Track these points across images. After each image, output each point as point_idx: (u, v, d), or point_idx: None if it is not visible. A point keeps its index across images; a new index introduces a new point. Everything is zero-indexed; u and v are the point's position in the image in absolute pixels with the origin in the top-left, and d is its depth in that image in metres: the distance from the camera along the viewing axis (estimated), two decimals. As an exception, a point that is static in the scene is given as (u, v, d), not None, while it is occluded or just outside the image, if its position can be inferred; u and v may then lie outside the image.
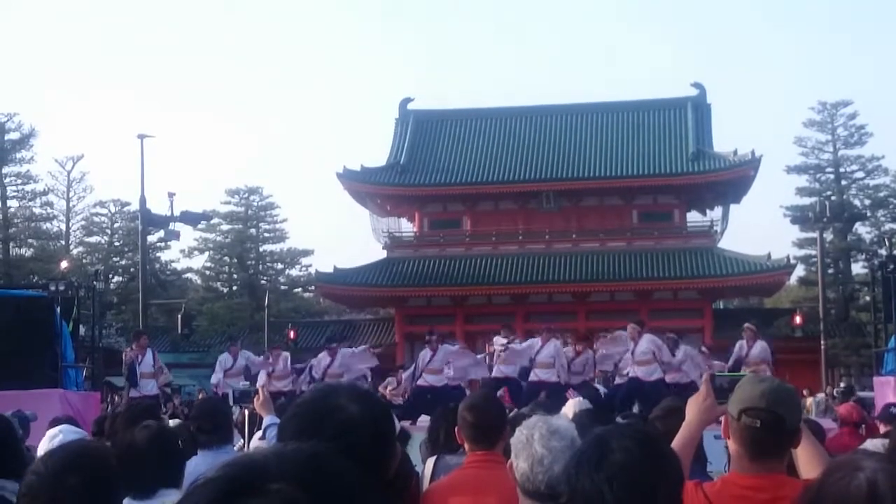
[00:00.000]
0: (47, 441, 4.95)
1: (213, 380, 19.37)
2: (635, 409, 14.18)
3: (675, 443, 3.12)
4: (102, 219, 56.05)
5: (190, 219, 30.61)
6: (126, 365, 18.40)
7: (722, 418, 3.03)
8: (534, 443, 3.17)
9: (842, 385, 31.48)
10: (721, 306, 51.25)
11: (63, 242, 53.74)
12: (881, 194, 50.28)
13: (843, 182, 50.14)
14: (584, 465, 2.15)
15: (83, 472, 2.45)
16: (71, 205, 54.63)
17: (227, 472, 1.14)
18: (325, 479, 1.16)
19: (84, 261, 52.51)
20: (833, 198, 45.98)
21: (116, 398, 20.87)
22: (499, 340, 19.38)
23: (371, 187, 45.98)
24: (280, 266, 56.90)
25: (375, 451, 2.17)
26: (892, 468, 1.98)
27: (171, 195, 29.95)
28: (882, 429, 7.86)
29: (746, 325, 18.43)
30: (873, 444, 6.24)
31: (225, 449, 5.62)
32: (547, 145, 46.29)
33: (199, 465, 5.11)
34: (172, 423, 8.78)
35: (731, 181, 43.95)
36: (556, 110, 48.48)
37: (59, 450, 2.60)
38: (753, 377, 3.04)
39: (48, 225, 53.63)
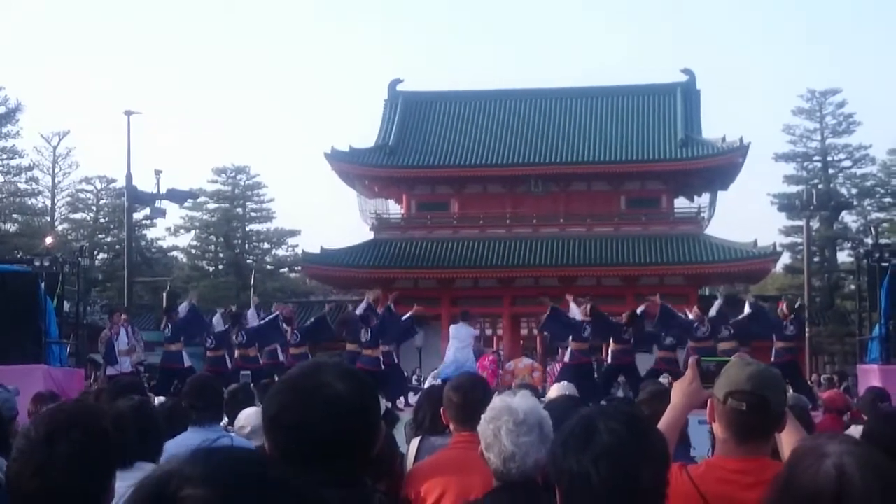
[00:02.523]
0: None
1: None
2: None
3: (661, 425, 3.12)
4: (88, 195, 55.81)
5: (176, 197, 30.57)
6: (103, 342, 18.46)
7: (708, 402, 3.03)
8: (502, 438, 3.16)
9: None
10: (707, 293, 51.42)
11: (48, 218, 53.45)
12: (868, 183, 50.48)
13: (831, 170, 50.31)
14: (571, 446, 2.13)
15: (76, 436, 2.38)
16: (56, 181, 54.34)
17: (140, 495, 1.13)
18: (231, 473, 1.13)
19: (69, 237, 52.27)
20: (820, 186, 46.17)
21: (98, 374, 20.83)
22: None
23: (359, 168, 45.85)
24: (266, 246, 56.85)
25: (360, 429, 2.16)
26: (857, 450, 1.97)
27: (157, 172, 29.90)
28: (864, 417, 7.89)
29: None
30: (857, 431, 6.26)
31: (214, 427, 5.72)
32: (536, 129, 46.25)
33: (189, 441, 5.22)
34: (158, 400, 8.77)
35: (719, 168, 44.00)
36: (545, 94, 48.41)
37: (53, 413, 2.53)
38: (740, 361, 3.04)
39: (33, 200, 53.41)
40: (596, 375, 19.34)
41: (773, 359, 18.02)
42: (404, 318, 20.65)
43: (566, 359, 19.09)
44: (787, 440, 3.06)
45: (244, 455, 1.18)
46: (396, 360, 21.05)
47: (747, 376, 2.85)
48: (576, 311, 19.18)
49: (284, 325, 20.89)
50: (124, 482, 2.45)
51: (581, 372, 17.82)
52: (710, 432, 5.02)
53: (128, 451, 3.58)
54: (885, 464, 1.97)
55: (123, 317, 19.49)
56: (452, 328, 20.88)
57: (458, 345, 20.18)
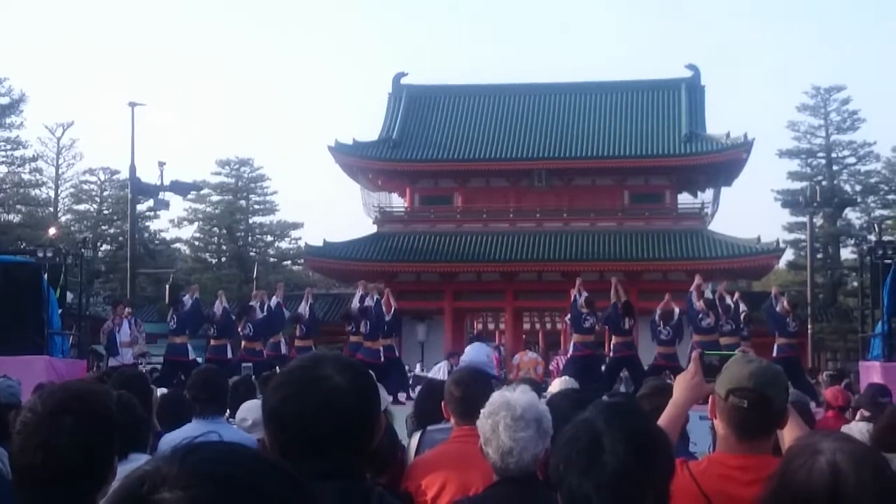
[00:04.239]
0: None
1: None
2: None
3: (662, 420, 3.11)
4: (92, 186, 55.76)
5: (180, 188, 30.54)
6: (105, 334, 18.49)
7: (709, 398, 3.02)
8: (500, 433, 3.17)
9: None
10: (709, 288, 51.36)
11: (51, 209, 53.44)
12: (872, 180, 50.37)
13: (835, 167, 50.19)
14: (574, 463, 2.09)
15: (80, 412, 2.38)
16: (60, 172, 54.33)
17: (115, 494, 1.11)
18: (209, 473, 1.10)
19: (72, 228, 52.23)
20: (824, 183, 46.04)
21: (100, 365, 20.89)
22: None
23: (362, 161, 45.83)
24: (269, 238, 56.79)
25: (360, 422, 2.16)
26: (850, 446, 1.97)
27: (161, 164, 29.87)
28: (864, 413, 7.89)
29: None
30: (858, 428, 6.25)
31: (217, 419, 5.74)
32: (540, 124, 46.19)
33: (191, 432, 5.25)
34: (160, 391, 8.79)
35: (724, 164, 43.94)
36: (550, 89, 48.34)
37: (56, 389, 2.53)
38: (742, 357, 3.03)
39: (37, 191, 53.35)
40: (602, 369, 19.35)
41: (774, 354, 18.07)
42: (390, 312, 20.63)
43: (570, 351, 19.14)
44: (790, 436, 3.05)
45: (225, 455, 1.14)
46: (397, 354, 21.06)
47: (749, 373, 2.84)
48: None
49: (286, 312, 21.10)
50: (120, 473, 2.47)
51: (585, 364, 17.88)
52: (711, 428, 5.02)
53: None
54: (878, 460, 1.97)
55: (127, 310, 19.51)
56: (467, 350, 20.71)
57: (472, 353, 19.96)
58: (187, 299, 20.20)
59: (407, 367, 26.56)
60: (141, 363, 18.91)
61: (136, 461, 3.53)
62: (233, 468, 1.11)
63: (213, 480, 1.09)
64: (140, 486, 1.09)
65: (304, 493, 1.17)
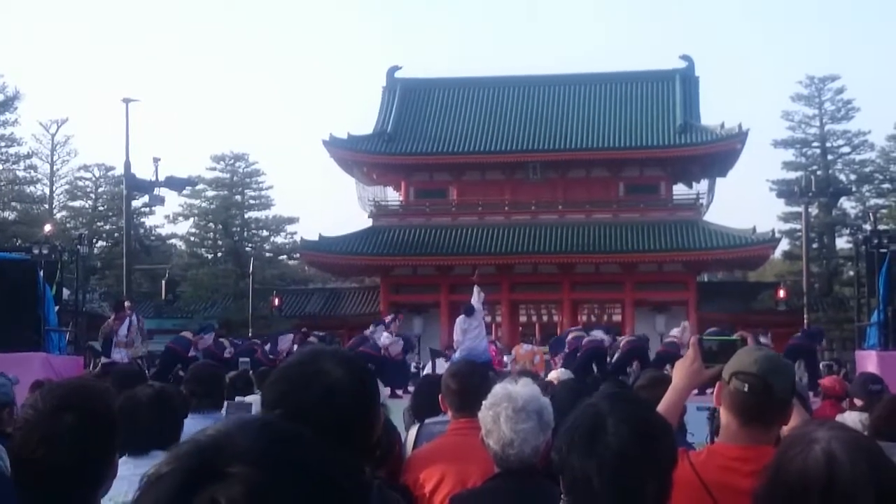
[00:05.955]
0: None
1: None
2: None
3: (661, 406, 3.11)
4: (86, 183, 55.62)
5: (175, 184, 30.48)
6: (103, 334, 18.41)
7: (716, 385, 3.02)
8: (501, 425, 3.18)
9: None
10: (706, 279, 51.46)
11: (47, 206, 53.29)
12: (867, 169, 50.38)
13: (829, 157, 50.19)
14: (576, 444, 2.11)
15: (81, 409, 2.40)
16: (55, 168, 54.19)
17: (182, 464, 1.05)
18: (282, 452, 1.07)
19: (68, 225, 52.11)
20: (819, 172, 46.05)
21: (96, 362, 20.84)
22: None
23: (357, 155, 45.80)
24: (265, 233, 56.66)
25: (359, 416, 2.15)
26: (845, 434, 1.98)
27: (156, 160, 29.79)
28: (857, 402, 7.91)
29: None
30: (851, 417, 6.27)
31: (215, 414, 5.74)
32: (534, 116, 46.18)
33: (189, 428, 5.24)
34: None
35: (718, 154, 43.99)
36: (544, 81, 48.31)
37: (58, 386, 2.55)
38: (752, 346, 3.05)
39: (32, 188, 53.22)
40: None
41: (791, 340, 18.59)
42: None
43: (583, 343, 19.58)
44: (788, 426, 3.06)
45: (298, 437, 1.12)
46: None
47: (754, 359, 2.86)
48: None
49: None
50: (139, 469, 2.46)
51: (595, 355, 18.46)
52: (708, 419, 5.03)
53: (142, 438, 3.60)
54: (872, 447, 1.98)
55: (127, 303, 19.42)
56: (458, 323, 20.63)
57: (469, 335, 19.95)
58: None
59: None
60: (139, 362, 18.81)
61: (155, 457, 3.53)
62: (304, 452, 1.10)
63: (282, 461, 1.07)
64: (217, 455, 1.04)
65: (363, 486, 1.17)
